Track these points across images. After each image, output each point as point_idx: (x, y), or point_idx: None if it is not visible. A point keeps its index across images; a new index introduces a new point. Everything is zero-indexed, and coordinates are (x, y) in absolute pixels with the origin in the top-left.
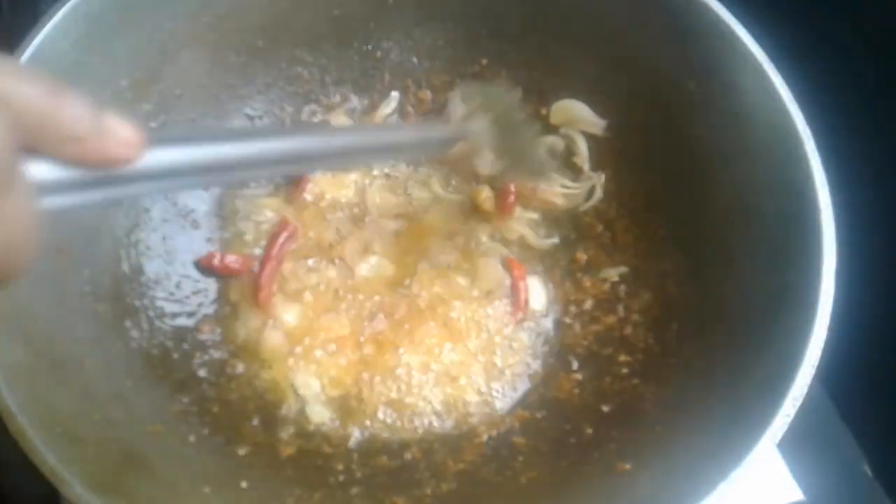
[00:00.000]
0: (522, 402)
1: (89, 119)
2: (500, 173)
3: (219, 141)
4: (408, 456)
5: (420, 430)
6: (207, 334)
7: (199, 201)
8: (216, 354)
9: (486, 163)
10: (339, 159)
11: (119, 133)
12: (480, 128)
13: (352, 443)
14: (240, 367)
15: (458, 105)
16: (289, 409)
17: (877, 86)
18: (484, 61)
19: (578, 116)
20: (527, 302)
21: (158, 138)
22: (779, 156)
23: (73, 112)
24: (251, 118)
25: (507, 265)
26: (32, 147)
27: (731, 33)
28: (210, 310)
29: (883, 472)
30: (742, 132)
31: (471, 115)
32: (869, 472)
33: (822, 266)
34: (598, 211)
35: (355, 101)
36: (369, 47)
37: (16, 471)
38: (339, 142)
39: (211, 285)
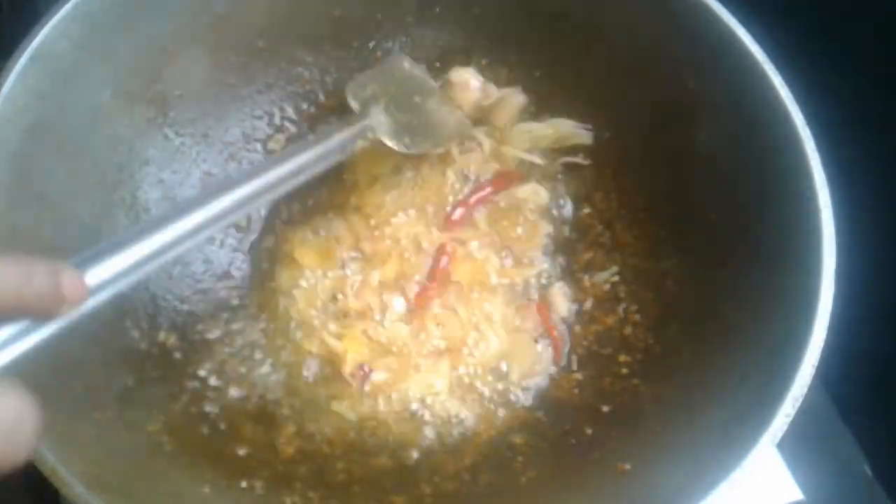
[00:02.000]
0: (522, 403)
1: (51, 287)
2: (415, 150)
3: (144, 235)
4: (408, 456)
5: (421, 431)
6: (208, 334)
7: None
8: (217, 354)
9: (400, 145)
10: (256, 201)
11: (74, 289)
12: (375, 119)
13: (351, 443)
14: (241, 368)
15: (351, 101)
16: (289, 408)
17: (877, 86)
18: (484, 61)
19: (564, 134)
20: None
21: (86, 259)
22: (779, 156)
23: (39, 283)
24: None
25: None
26: None
27: (731, 33)
28: (210, 309)
29: (883, 473)
30: (742, 132)
31: (364, 108)
32: (869, 473)
33: (821, 266)
34: (598, 211)
35: None
36: (370, 47)
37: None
38: (251, 189)
39: (212, 285)
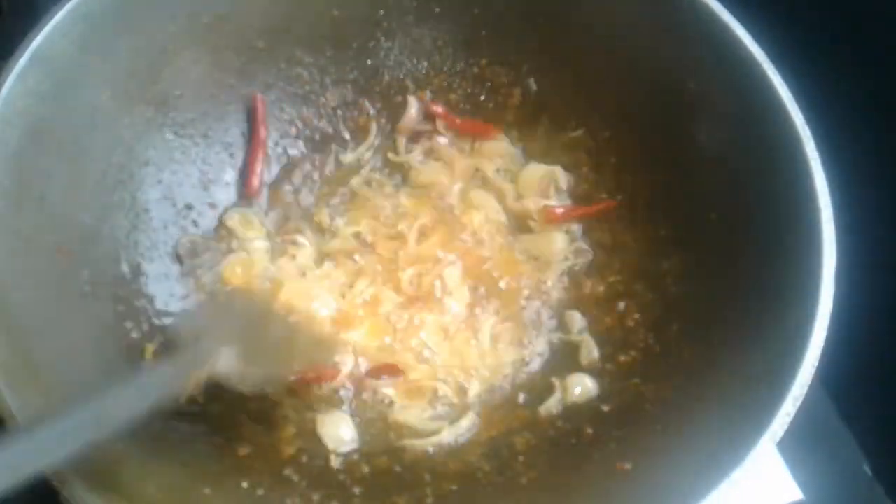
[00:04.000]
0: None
1: None
2: (255, 385)
3: None
4: (408, 456)
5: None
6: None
7: (198, 201)
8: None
9: (237, 377)
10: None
11: None
12: (211, 349)
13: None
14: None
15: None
16: (290, 406)
17: (876, 86)
18: (484, 61)
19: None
20: None
21: None
22: (778, 156)
23: None
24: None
25: None
26: None
27: (731, 33)
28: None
29: (883, 472)
30: (742, 132)
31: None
32: (869, 472)
33: (821, 266)
34: (598, 211)
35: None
36: (369, 48)
37: None
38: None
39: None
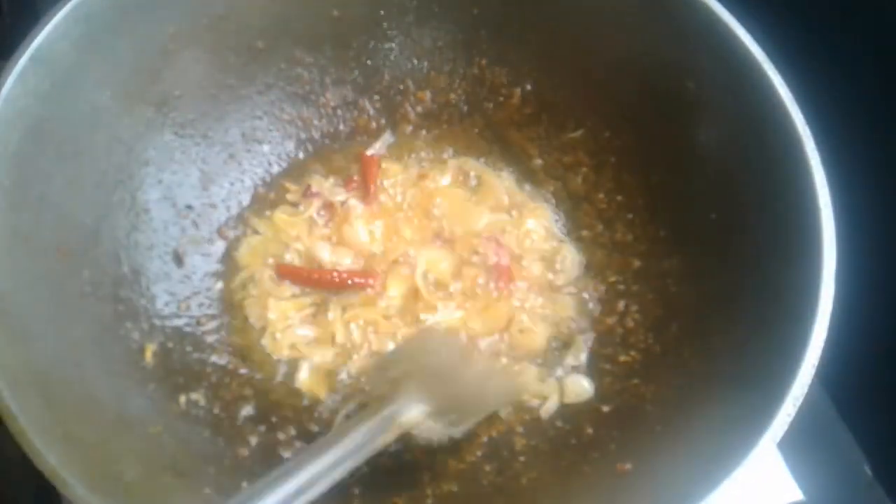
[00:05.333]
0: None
1: None
2: (459, 431)
3: None
4: (408, 456)
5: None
6: (209, 335)
7: (198, 200)
8: (217, 355)
9: (434, 430)
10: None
11: None
12: (410, 411)
13: None
14: (241, 368)
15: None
16: (290, 408)
17: (877, 86)
18: (483, 61)
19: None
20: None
21: None
22: (779, 156)
23: None
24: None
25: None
26: None
27: (731, 33)
28: (211, 310)
29: (883, 473)
30: (741, 132)
31: (390, 393)
32: (869, 473)
33: (822, 266)
34: (598, 211)
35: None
36: (369, 48)
37: (15, 470)
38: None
39: (212, 286)
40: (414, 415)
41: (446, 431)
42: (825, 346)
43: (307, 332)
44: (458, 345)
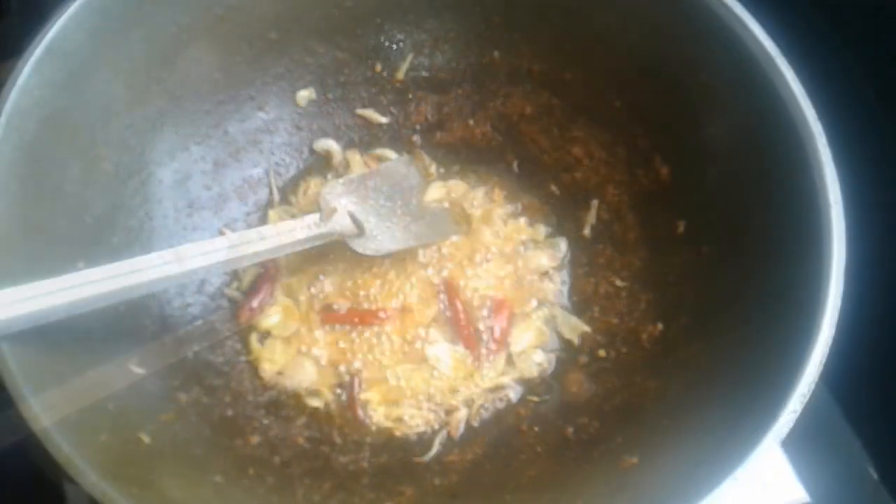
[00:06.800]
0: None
1: None
2: (383, 252)
3: None
4: (415, 451)
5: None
6: (218, 325)
7: (211, 191)
8: (228, 344)
9: (368, 247)
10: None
11: None
12: (344, 221)
13: (361, 435)
14: (251, 357)
15: (325, 201)
16: (298, 399)
17: (890, 81)
18: (495, 53)
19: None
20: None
21: None
22: (789, 151)
23: None
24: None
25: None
26: None
27: (743, 28)
28: (220, 302)
29: (888, 475)
30: (752, 127)
31: (331, 212)
32: (874, 475)
33: (830, 263)
34: (599, 211)
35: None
36: (381, 38)
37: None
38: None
39: (219, 277)
40: (345, 224)
41: (369, 252)
42: (831, 348)
43: None
44: (412, 176)
